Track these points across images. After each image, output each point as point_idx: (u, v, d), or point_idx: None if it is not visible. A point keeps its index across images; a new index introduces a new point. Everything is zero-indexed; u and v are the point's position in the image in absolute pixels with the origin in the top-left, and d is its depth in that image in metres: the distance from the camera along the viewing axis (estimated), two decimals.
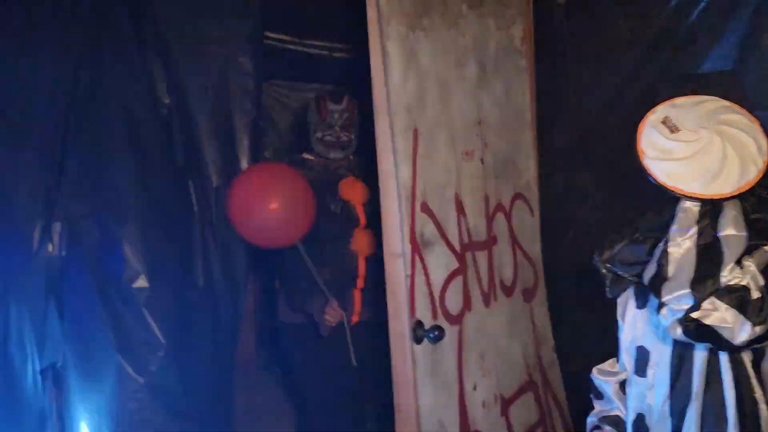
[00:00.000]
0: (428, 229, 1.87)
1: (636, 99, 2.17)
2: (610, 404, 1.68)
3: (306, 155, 2.60)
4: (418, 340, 1.81)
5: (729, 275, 1.28)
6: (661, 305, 1.34)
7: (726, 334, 1.27)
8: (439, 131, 1.94)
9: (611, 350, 1.69)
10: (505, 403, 2.16)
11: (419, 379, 1.82)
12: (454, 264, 1.98)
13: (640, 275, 1.47)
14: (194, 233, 2.11)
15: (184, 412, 2.06)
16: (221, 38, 2.13)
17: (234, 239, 2.22)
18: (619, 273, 1.54)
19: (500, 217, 2.22)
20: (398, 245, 1.77)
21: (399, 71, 1.76)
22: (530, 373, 2.30)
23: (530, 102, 2.41)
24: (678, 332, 1.32)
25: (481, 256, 2.11)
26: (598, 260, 1.58)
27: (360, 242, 2.54)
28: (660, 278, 1.34)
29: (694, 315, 1.28)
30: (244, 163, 2.21)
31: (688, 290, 1.29)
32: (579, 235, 2.45)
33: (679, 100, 1.40)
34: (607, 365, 1.70)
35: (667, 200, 1.43)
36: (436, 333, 1.81)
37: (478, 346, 2.06)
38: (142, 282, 1.87)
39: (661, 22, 2.10)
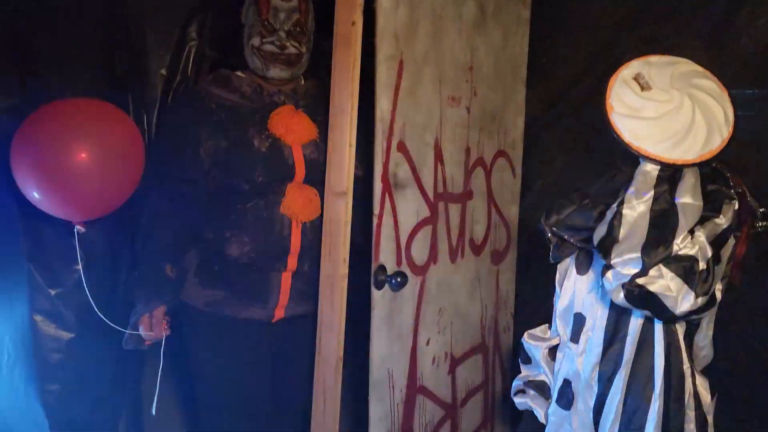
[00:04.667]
0: (402, 170, 1.76)
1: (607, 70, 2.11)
2: (537, 369, 1.68)
3: (237, 73, 1.86)
4: (379, 285, 1.72)
5: (681, 243, 1.26)
6: (606, 268, 1.32)
7: (669, 303, 1.25)
8: (426, 69, 1.81)
9: None
10: (454, 362, 2.11)
11: (375, 326, 1.74)
12: (426, 212, 1.88)
13: (585, 241, 1.46)
14: None
15: (100, 331, 1.83)
16: None
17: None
18: (565, 237, 1.53)
19: (480, 172, 2.12)
20: (343, 183, 1.61)
21: None
22: (484, 335, 2.24)
23: (527, 57, 2.29)
24: (620, 297, 1.30)
25: (454, 209, 2.02)
26: (544, 224, 1.56)
27: (294, 202, 1.78)
28: (611, 240, 1.30)
29: (640, 281, 1.26)
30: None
31: (638, 254, 1.26)
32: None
33: (654, 58, 1.35)
34: (538, 331, 1.69)
35: (620, 165, 1.40)
36: (399, 280, 1.72)
37: (438, 301, 1.99)
38: None
39: None
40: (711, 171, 1.34)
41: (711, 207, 1.31)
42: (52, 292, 1.83)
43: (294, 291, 1.85)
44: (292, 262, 1.82)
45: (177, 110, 1.90)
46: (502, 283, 2.30)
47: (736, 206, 1.33)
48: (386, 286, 1.74)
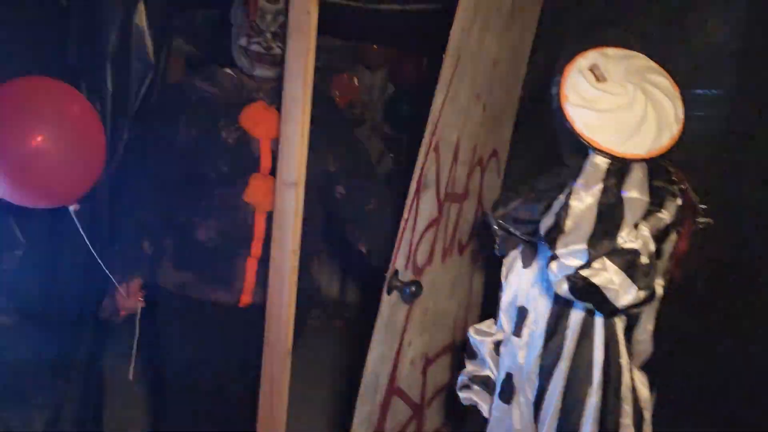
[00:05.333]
0: (431, 172, 1.65)
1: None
2: (482, 364, 1.68)
3: (226, 70, 1.91)
4: (389, 290, 1.61)
5: (626, 237, 1.27)
6: (552, 258, 1.31)
7: (611, 296, 1.26)
8: (469, 66, 1.67)
9: None
10: (427, 363, 2.06)
11: (377, 331, 1.64)
12: (435, 213, 1.79)
13: (531, 234, 1.46)
14: None
15: (42, 321, 1.77)
16: None
17: None
18: (511, 230, 1.52)
19: (477, 171, 2.04)
20: (293, 174, 1.56)
21: None
22: (454, 335, 2.22)
23: (528, 56, 2.22)
24: (564, 288, 1.29)
25: (454, 209, 1.94)
26: (491, 216, 1.55)
27: (256, 192, 1.83)
28: (557, 230, 1.29)
29: (584, 273, 1.25)
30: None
31: (584, 246, 1.25)
32: None
33: (610, 51, 1.33)
34: (484, 326, 1.69)
35: (566, 160, 1.41)
36: (413, 289, 1.62)
37: (426, 301, 1.91)
38: None
39: None
40: (656, 167, 1.35)
41: (655, 202, 1.32)
42: None
43: (260, 277, 1.87)
44: (257, 248, 1.87)
45: (160, 101, 1.97)
46: (475, 282, 2.28)
47: (679, 202, 1.36)
48: (395, 293, 1.63)
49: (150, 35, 1.96)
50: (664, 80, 1.30)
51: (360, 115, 4.13)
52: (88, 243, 1.61)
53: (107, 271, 1.71)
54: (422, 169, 1.55)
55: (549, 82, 1.48)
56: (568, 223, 1.26)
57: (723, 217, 1.43)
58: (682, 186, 1.36)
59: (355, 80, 4.13)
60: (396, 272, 1.61)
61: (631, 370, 1.45)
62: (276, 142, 1.76)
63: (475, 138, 1.92)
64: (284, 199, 1.57)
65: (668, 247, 1.35)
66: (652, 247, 1.28)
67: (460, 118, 1.74)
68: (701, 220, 1.40)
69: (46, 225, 1.73)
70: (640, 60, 1.32)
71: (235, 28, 1.88)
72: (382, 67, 4.18)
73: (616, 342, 1.42)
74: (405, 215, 1.55)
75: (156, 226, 1.88)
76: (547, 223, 1.31)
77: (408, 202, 1.54)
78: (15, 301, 1.67)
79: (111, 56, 1.91)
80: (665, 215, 1.32)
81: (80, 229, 1.60)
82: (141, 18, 1.94)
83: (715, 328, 1.98)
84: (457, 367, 2.26)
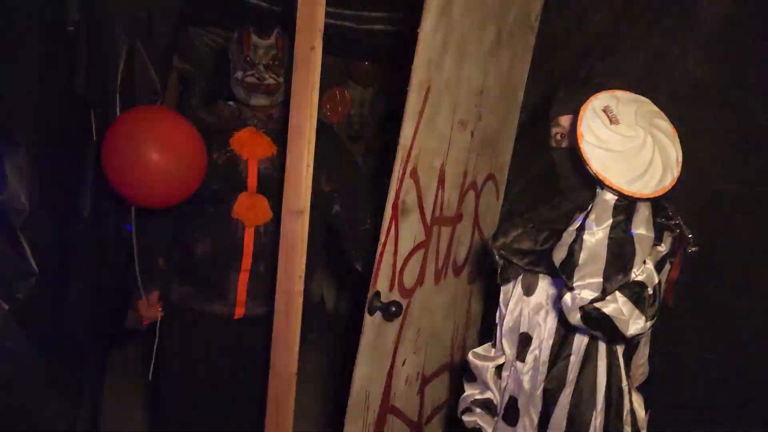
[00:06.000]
0: (410, 197, 1.72)
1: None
2: (483, 387, 1.71)
3: (229, 103, 2.11)
4: (371, 311, 1.68)
5: (637, 271, 1.32)
6: (566, 290, 1.35)
7: (620, 326, 1.31)
8: (445, 95, 1.75)
9: None
10: (424, 381, 2.12)
11: (361, 350, 1.71)
12: (422, 236, 1.85)
13: (532, 263, 1.53)
14: (88, 163, 1.90)
15: (53, 347, 1.84)
16: None
17: None
18: (513, 260, 1.57)
19: (471, 194, 2.11)
20: (299, 202, 1.62)
21: (432, 18, 1.54)
22: (452, 354, 2.27)
23: (525, 82, 2.28)
24: (577, 318, 1.34)
25: (446, 232, 2.00)
26: (491, 246, 1.61)
27: (241, 208, 2.01)
28: (572, 263, 1.33)
29: (597, 304, 1.30)
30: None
31: (600, 279, 1.30)
32: None
33: (620, 93, 1.38)
34: (481, 350, 1.73)
35: (568, 195, 1.51)
36: (393, 309, 1.69)
37: (419, 322, 1.98)
38: (21, 205, 1.63)
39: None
40: (656, 205, 1.41)
41: (656, 236, 1.38)
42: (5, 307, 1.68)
43: (251, 290, 2.06)
44: (247, 261, 2.04)
45: None
46: (474, 302, 2.33)
47: (674, 236, 1.43)
48: (378, 313, 1.70)
49: (154, 64, 2.11)
50: (667, 125, 1.36)
51: (358, 130, 4.16)
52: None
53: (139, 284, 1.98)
54: (397, 194, 1.62)
55: (545, 117, 1.57)
56: (582, 256, 1.31)
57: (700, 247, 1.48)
58: (677, 221, 1.45)
59: (347, 93, 4.14)
60: (378, 293, 1.68)
61: (630, 392, 1.51)
62: (262, 163, 2.03)
63: (463, 163, 1.99)
64: (291, 227, 1.64)
65: (663, 276, 1.42)
66: (656, 279, 1.34)
67: (443, 144, 1.82)
68: (691, 249, 1.47)
69: (57, 254, 1.83)
70: (647, 105, 1.39)
71: (232, 63, 2.08)
72: (373, 83, 4.19)
73: (618, 366, 1.49)
74: (382, 239, 1.62)
75: (167, 243, 2.08)
76: (560, 254, 1.37)
77: (384, 226, 1.61)
78: (27, 327, 1.72)
79: (119, 87, 2.04)
80: (663, 248, 1.41)
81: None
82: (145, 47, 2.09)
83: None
84: (457, 385, 2.31)
